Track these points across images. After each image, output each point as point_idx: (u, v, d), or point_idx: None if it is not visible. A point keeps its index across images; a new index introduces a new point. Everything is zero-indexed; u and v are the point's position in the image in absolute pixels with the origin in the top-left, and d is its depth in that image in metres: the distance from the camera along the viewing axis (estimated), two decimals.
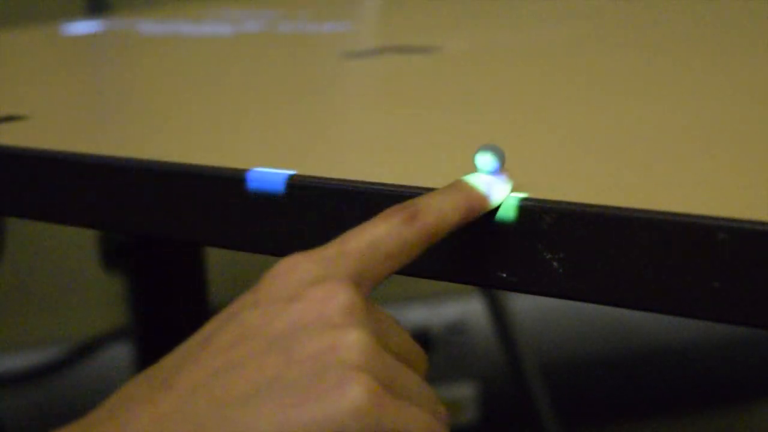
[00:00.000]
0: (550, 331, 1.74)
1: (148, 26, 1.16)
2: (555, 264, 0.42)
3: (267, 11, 1.21)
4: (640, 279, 0.41)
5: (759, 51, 0.80)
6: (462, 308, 1.75)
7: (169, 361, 0.39)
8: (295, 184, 0.49)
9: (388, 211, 0.41)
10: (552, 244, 0.42)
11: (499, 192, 0.43)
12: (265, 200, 0.50)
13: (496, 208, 0.44)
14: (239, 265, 1.74)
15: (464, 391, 1.73)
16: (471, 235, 0.44)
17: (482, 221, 0.44)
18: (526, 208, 0.43)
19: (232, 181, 0.51)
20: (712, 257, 0.39)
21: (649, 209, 0.40)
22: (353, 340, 0.37)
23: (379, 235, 0.40)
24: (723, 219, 0.39)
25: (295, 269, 0.39)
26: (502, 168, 0.44)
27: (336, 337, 0.37)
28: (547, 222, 0.42)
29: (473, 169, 0.44)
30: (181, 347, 0.40)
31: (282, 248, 0.50)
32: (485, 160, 0.44)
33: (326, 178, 0.49)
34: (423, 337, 1.72)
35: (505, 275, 0.44)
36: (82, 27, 1.20)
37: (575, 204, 0.42)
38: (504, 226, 0.44)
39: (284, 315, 0.38)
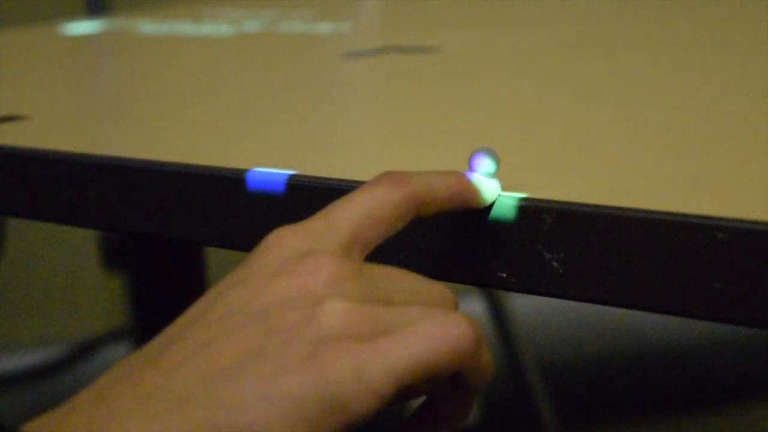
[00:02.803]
0: (550, 331, 1.73)
1: (148, 26, 1.16)
2: (555, 264, 0.42)
3: (267, 11, 1.21)
4: (640, 279, 0.41)
5: (759, 51, 0.80)
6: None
7: (157, 341, 0.39)
8: (295, 184, 0.49)
9: (374, 179, 0.42)
10: (552, 244, 0.42)
11: (491, 192, 0.44)
12: (265, 200, 0.50)
13: (489, 208, 0.44)
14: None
15: None
16: (471, 235, 0.44)
17: (483, 221, 0.44)
18: (526, 208, 0.43)
19: (232, 181, 0.51)
20: (712, 257, 0.39)
21: (649, 209, 0.40)
22: (330, 310, 0.37)
23: (365, 202, 0.41)
24: (722, 219, 0.39)
25: (282, 244, 0.40)
26: (496, 173, 0.44)
27: (314, 308, 0.37)
28: (547, 222, 0.42)
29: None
30: (171, 327, 0.40)
31: None
32: (483, 162, 0.44)
33: (326, 178, 0.49)
34: None
35: (505, 275, 0.44)
36: (82, 27, 1.20)
37: (575, 204, 0.42)
38: (504, 225, 0.44)
39: (268, 290, 0.38)
